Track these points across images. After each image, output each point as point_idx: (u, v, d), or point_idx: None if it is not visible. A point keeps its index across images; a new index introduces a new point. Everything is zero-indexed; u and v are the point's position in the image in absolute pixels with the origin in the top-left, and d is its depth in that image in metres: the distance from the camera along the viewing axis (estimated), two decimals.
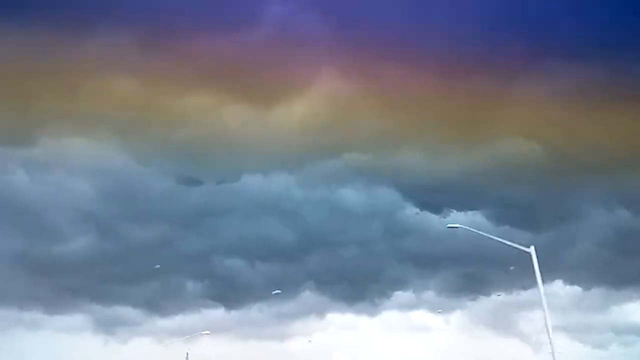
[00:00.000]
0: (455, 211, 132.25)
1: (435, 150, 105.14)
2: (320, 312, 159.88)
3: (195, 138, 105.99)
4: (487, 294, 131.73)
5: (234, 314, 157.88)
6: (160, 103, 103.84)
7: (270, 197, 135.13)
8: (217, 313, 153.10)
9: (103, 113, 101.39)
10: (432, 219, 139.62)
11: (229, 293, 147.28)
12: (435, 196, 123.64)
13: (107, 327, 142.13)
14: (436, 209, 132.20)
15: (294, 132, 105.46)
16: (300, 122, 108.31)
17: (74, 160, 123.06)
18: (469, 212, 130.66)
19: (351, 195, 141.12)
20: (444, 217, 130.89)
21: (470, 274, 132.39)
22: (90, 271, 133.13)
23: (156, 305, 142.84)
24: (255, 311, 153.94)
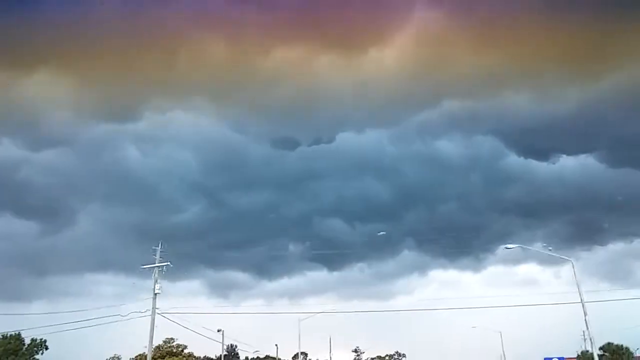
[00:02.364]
0: (565, 156, 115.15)
1: (543, 89, 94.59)
2: (422, 270, 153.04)
3: (288, 96, 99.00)
4: (603, 244, 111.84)
5: (336, 275, 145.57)
6: (249, 62, 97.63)
7: (365, 155, 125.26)
8: (320, 275, 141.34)
9: (198, 80, 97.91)
10: (538, 167, 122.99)
11: (331, 254, 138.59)
12: (542, 140, 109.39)
13: (221, 290, 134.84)
14: (543, 154, 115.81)
15: (388, 81, 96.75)
16: (393, 70, 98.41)
17: (178, 133, 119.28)
18: (581, 156, 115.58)
19: (448, 147, 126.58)
20: (553, 163, 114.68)
21: (583, 222, 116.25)
22: (202, 238, 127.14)
23: (263, 269, 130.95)
24: (356, 271, 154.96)
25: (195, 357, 66.09)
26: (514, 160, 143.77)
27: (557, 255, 35.86)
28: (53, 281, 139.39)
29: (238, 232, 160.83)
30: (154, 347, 64.12)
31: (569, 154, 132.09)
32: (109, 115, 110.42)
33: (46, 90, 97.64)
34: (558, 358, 55.17)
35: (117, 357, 64.25)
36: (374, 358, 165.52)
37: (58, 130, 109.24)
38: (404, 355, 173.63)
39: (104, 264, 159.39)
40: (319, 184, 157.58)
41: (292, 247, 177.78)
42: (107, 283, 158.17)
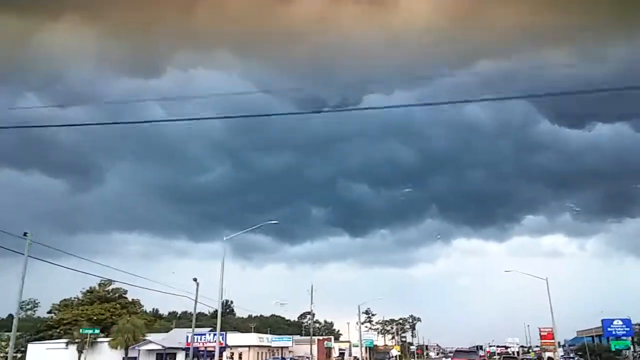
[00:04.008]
0: (600, 123, 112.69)
1: (583, 49, 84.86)
2: (446, 238, 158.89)
3: (313, 52, 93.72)
4: (634, 215, 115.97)
5: (358, 241, 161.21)
6: (273, 15, 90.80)
7: (393, 118, 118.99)
8: (342, 240, 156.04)
9: (220, 33, 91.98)
10: (571, 134, 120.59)
11: (353, 219, 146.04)
12: (576, 106, 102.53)
13: (244, 253, 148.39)
14: (577, 121, 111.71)
15: (420, 38, 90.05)
16: (426, 25, 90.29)
17: (201, 91, 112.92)
18: (616, 124, 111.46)
19: (478, 112, 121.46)
20: (589, 131, 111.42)
21: (615, 193, 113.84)
22: (226, 200, 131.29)
23: (286, 232, 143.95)
24: (378, 238, 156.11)
25: (136, 304, 54.77)
26: (546, 127, 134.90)
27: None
28: (82, 239, 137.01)
29: (261, 194, 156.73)
30: (85, 290, 54.65)
31: (604, 121, 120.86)
32: (132, 69, 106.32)
33: (69, 42, 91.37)
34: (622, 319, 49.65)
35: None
36: (387, 320, 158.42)
37: (83, 86, 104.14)
38: (418, 319, 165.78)
39: (130, 223, 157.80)
40: (344, 146, 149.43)
41: (315, 211, 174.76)
42: (133, 242, 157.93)
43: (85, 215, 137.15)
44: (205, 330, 44.20)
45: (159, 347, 41.11)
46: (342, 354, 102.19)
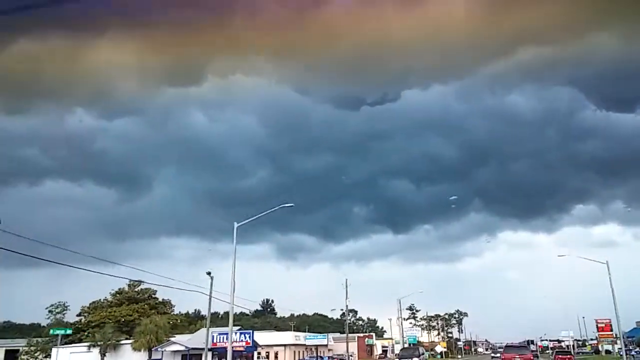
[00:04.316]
0: None
1: (631, 30, 77.84)
2: (491, 231, 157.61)
3: (348, 52, 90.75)
4: None
5: (401, 237, 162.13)
6: (307, 16, 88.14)
7: (432, 113, 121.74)
8: (386, 237, 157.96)
9: (256, 39, 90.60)
10: (621, 119, 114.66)
11: (396, 216, 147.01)
12: (626, 89, 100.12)
13: (289, 254, 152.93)
14: (628, 105, 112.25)
15: (457, 29, 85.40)
16: (462, 16, 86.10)
17: (240, 97, 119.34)
18: None
19: (521, 101, 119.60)
20: (639, 115, 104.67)
21: None
22: (269, 202, 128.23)
23: (329, 232, 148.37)
24: (421, 234, 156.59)
25: (166, 304, 53.29)
26: (594, 113, 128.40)
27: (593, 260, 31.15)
28: (133, 245, 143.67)
29: (303, 195, 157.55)
30: (114, 291, 53.71)
31: None
32: (173, 79, 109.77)
33: (111, 58, 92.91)
34: None
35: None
36: (431, 316, 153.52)
37: (127, 98, 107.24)
38: (465, 314, 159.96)
39: (177, 228, 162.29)
40: (383, 144, 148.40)
41: (357, 210, 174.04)
42: (181, 247, 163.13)
43: (134, 222, 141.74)
44: (233, 329, 42.16)
45: (183, 348, 39.47)
46: (385, 352, 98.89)
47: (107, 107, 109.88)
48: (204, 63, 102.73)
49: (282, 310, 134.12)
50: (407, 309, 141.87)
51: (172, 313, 57.63)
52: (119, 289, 52.92)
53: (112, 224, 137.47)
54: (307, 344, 62.73)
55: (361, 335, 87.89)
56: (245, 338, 39.97)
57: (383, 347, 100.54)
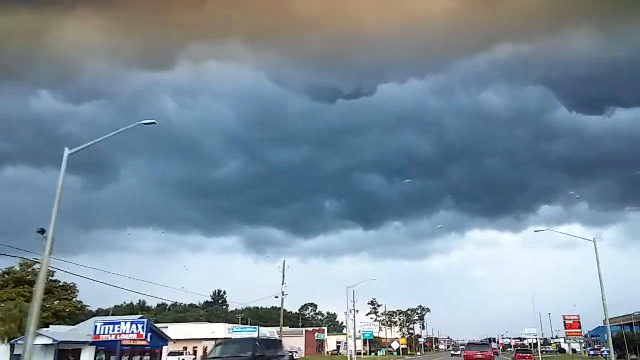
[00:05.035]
0: (620, 109, 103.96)
1: (605, 31, 78.27)
2: (460, 230, 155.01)
3: (326, 41, 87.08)
4: None
5: (372, 234, 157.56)
6: (285, 3, 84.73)
7: (408, 108, 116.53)
8: (356, 233, 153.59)
9: (231, 23, 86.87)
10: (590, 120, 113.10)
11: (367, 212, 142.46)
12: (597, 91, 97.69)
13: (257, 247, 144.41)
14: (597, 107, 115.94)
15: (435, 24, 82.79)
16: (441, 9, 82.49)
17: (214, 84, 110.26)
18: (638, 109, 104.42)
19: (494, 99, 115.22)
20: (609, 117, 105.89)
21: (635, 180, 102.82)
22: (240, 194, 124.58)
23: (300, 226, 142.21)
24: (392, 231, 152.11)
25: (69, 289, 44.29)
26: (564, 114, 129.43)
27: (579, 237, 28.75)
28: (98, 235, 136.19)
29: (275, 188, 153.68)
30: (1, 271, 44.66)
31: (626, 106, 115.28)
32: (143, 63, 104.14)
33: (79, 37, 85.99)
34: None
35: None
36: (393, 311, 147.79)
37: (95, 81, 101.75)
38: (428, 310, 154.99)
39: (145, 219, 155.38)
40: (359, 138, 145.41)
41: (329, 205, 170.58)
42: (148, 238, 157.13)
43: (101, 211, 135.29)
44: (128, 319, 33.84)
45: (51, 342, 30.30)
46: (339, 347, 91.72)
47: (74, 90, 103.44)
48: (177, 47, 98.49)
49: (235, 304, 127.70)
50: (368, 303, 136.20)
51: (73, 300, 48.56)
52: (7, 268, 43.73)
53: (77, 213, 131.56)
54: (234, 337, 54.42)
55: (310, 329, 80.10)
56: (138, 329, 31.51)
57: (338, 342, 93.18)
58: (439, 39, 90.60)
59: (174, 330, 55.08)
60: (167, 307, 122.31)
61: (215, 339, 52.79)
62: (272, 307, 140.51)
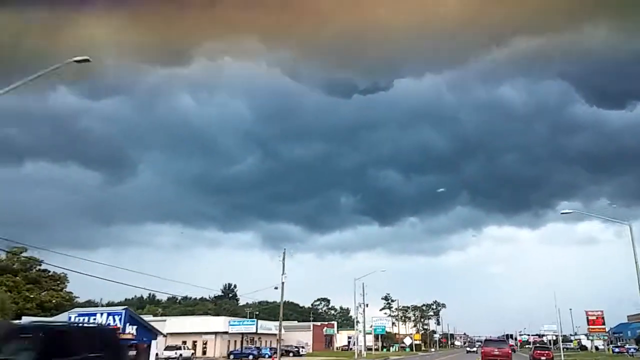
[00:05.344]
0: None
1: (625, 21, 74.20)
2: (477, 226, 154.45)
3: (343, 36, 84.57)
4: None
5: (387, 230, 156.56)
6: (312, 1, 78.99)
7: (424, 103, 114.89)
8: (371, 229, 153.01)
9: (247, 20, 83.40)
10: (610, 115, 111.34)
11: (383, 207, 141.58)
12: (617, 84, 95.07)
13: (273, 243, 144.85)
14: (616, 101, 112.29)
15: (452, 17, 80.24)
16: (459, 3, 79.55)
17: (230, 80, 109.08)
18: None
19: (511, 94, 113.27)
20: (630, 111, 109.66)
21: None
22: (256, 190, 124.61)
23: (315, 222, 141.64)
24: (407, 227, 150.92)
25: (59, 278, 41.99)
26: (584, 108, 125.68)
27: (614, 220, 25.53)
28: (117, 230, 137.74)
29: (291, 184, 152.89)
30: None
31: None
32: (160, 59, 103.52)
33: (96, 33, 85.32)
34: None
35: None
36: (407, 307, 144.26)
37: (113, 77, 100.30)
38: (443, 305, 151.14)
39: (162, 214, 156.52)
40: (375, 133, 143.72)
41: (345, 200, 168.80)
42: (164, 233, 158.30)
43: (120, 206, 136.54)
44: (105, 309, 31.29)
45: None
46: (353, 344, 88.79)
47: (92, 86, 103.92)
48: (193, 43, 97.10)
49: (245, 297, 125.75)
50: (382, 298, 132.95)
51: (63, 290, 46.31)
52: None
53: (97, 208, 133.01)
54: (230, 331, 51.66)
55: (318, 323, 77.16)
56: (115, 321, 28.86)
57: (349, 337, 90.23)
58: (455, 33, 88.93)
59: (173, 324, 52.69)
60: (177, 300, 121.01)
61: (215, 333, 50.27)
62: (285, 301, 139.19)
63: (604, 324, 66.45)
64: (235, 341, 54.89)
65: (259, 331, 56.97)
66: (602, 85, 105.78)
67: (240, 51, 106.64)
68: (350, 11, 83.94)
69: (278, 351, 38.57)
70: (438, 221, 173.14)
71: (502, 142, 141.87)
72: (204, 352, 51.07)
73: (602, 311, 66.12)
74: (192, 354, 49.13)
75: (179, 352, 45.76)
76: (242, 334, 52.43)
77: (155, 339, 35.98)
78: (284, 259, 38.84)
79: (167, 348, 46.29)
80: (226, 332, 51.29)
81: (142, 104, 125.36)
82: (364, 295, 61.90)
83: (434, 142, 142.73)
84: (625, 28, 79.33)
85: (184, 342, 50.28)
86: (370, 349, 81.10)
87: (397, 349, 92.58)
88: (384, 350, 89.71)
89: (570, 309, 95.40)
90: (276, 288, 38.12)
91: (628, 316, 79.41)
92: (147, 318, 46.91)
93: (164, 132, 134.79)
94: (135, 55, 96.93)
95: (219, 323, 52.07)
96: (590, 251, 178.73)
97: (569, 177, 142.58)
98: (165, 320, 52.70)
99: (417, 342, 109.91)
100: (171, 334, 51.87)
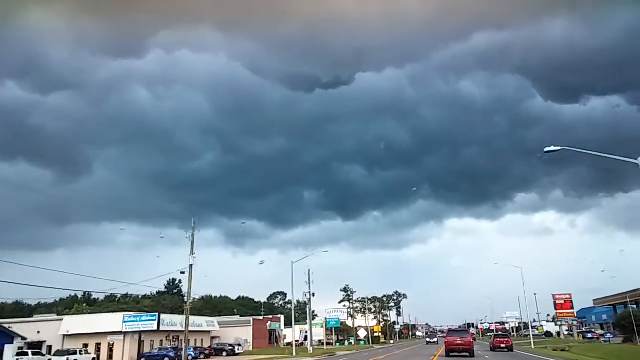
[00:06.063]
0: (593, 97, 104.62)
1: (581, 16, 77.58)
2: (438, 218, 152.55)
3: (305, 29, 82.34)
4: (627, 190, 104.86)
5: (351, 224, 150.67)
6: None
7: (385, 97, 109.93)
8: (335, 224, 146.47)
9: (206, 9, 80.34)
10: (564, 109, 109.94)
11: (346, 202, 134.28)
12: (572, 79, 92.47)
13: (236, 239, 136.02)
14: (571, 95, 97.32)
15: (415, 11, 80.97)
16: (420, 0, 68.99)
17: (188, 73, 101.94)
18: (611, 97, 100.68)
19: (471, 88, 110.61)
20: (584, 105, 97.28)
21: (608, 167, 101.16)
22: (217, 186, 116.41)
23: (279, 218, 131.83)
24: (370, 221, 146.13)
25: None
26: (540, 102, 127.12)
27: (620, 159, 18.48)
28: (73, 230, 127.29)
29: (254, 179, 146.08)
30: None
31: (598, 94, 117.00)
32: (113, 50, 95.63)
33: (44, 23, 79.10)
34: None
35: None
36: (367, 298, 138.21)
37: (63, 70, 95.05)
38: (404, 296, 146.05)
39: (120, 213, 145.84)
40: (336, 128, 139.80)
41: (308, 195, 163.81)
42: (125, 232, 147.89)
43: (74, 205, 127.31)
44: None
45: None
46: (306, 338, 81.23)
47: (42, 80, 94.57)
48: (147, 34, 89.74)
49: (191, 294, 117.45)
50: (341, 290, 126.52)
51: None
52: None
53: (49, 207, 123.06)
54: (123, 330, 42.48)
55: (260, 317, 68.92)
56: None
57: (305, 332, 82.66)
58: (417, 27, 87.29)
59: (73, 324, 43.47)
60: (117, 299, 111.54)
61: (114, 333, 41.20)
62: (239, 297, 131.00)
63: (572, 307, 61.21)
64: (152, 341, 45.99)
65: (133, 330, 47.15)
66: (558, 80, 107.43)
67: (198, 43, 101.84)
68: (312, 5, 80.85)
69: (184, 352, 30.11)
70: (400, 215, 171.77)
71: (463, 135, 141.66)
72: (110, 357, 42.05)
73: (570, 294, 60.85)
74: (93, 358, 40.17)
75: (72, 357, 36.79)
76: (140, 332, 43.18)
77: (11, 342, 27.24)
78: (192, 235, 30.55)
79: (57, 353, 37.19)
80: (120, 332, 42.07)
81: (95, 98, 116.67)
82: (309, 283, 54.45)
83: (396, 136, 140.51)
84: (581, 25, 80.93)
85: (85, 345, 41.25)
86: (324, 343, 73.76)
87: (352, 342, 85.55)
88: (337, 344, 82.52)
89: (535, 294, 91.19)
90: (182, 272, 29.79)
91: (594, 300, 74.73)
92: (39, 318, 37.88)
93: (120, 128, 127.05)
94: (86, 46, 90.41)
95: (116, 321, 42.72)
96: (546, 241, 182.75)
97: (525, 170, 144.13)
98: (61, 320, 43.45)
99: (377, 334, 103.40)
100: (70, 335, 42.70)
